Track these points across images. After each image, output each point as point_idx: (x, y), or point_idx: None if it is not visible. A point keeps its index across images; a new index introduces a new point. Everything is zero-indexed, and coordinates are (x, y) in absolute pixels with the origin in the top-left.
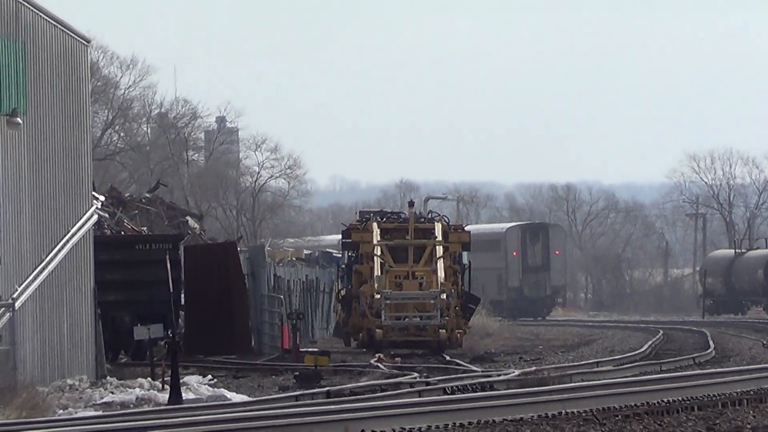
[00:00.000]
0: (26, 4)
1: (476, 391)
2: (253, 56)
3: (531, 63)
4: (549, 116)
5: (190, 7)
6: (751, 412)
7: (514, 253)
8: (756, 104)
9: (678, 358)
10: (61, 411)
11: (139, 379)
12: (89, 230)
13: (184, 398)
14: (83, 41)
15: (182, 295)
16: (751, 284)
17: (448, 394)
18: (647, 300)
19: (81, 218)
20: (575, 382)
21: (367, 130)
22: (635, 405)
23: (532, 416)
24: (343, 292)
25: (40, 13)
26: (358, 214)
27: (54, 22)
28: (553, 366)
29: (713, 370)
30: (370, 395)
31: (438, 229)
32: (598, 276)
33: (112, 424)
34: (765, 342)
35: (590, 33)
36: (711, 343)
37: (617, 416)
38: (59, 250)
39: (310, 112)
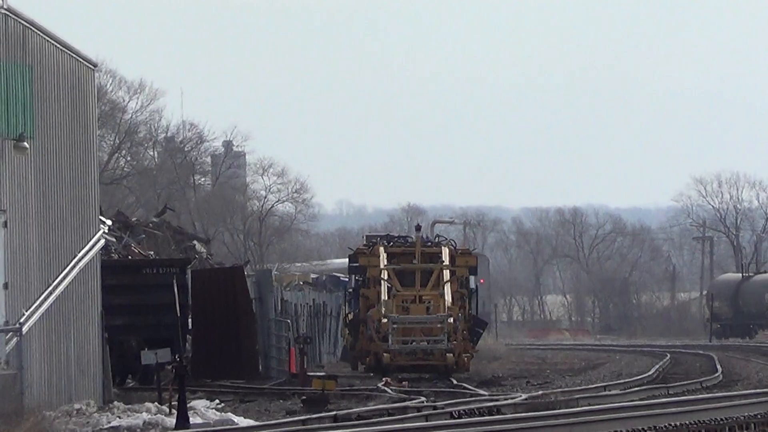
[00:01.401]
0: (33, 28)
1: (483, 415)
2: (260, 80)
3: (538, 87)
4: (556, 140)
5: (198, 31)
6: None
7: None
8: (763, 128)
9: (685, 382)
10: None
11: (147, 404)
12: (96, 254)
13: (191, 422)
14: (90, 65)
15: (189, 320)
16: (759, 308)
17: (455, 419)
18: (654, 323)
19: (88, 243)
20: (582, 406)
21: (374, 155)
22: (643, 429)
23: None
24: (350, 316)
25: (47, 38)
26: (365, 238)
27: (61, 47)
28: (560, 390)
29: (721, 393)
30: (378, 419)
31: (445, 253)
32: (605, 300)
33: None
34: None
35: (597, 57)
36: (718, 366)
37: None
38: (66, 275)
39: (317, 137)
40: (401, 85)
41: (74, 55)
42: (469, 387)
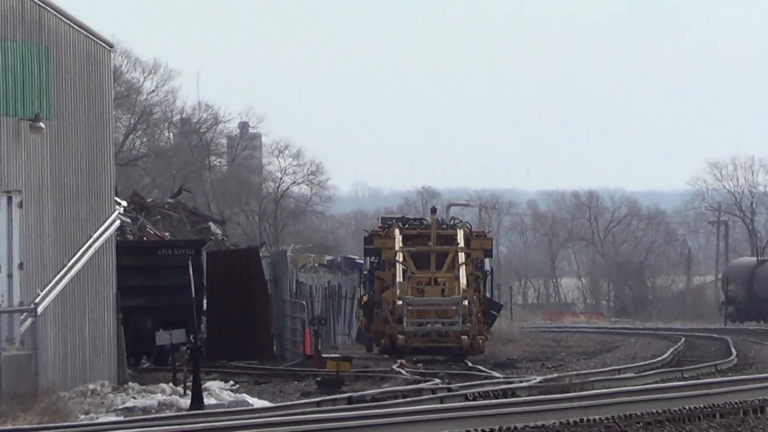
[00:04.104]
0: (49, 8)
1: (498, 398)
2: (275, 62)
3: (554, 71)
4: (572, 123)
5: (213, 12)
6: None
7: None
8: None
9: (700, 365)
10: (83, 416)
11: (161, 385)
12: (112, 235)
13: (205, 403)
14: (106, 46)
15: (204, 301)
16: None
17: (470, 401)
18: (669, 307)
19: (103, 223)
20: (597, 389)
21: (390, 137)
22: (657, 412)
23: (554, 423)
24: (365, 298)
25: (63, 18)
26: (380, 220)
27: (77, 27)
28: (574, 373)
29: (735, 377)
30: (392, 401)
31: (460, 235)
32: (620, 283)
33: (133, 429)
34: None
35: (612, 41)
36: (733, 350)
37: (639, 423)
38: (81, 255)
39: (333, 119)
40: (417, 67)
41: (90, 36)
42: (484, 369)
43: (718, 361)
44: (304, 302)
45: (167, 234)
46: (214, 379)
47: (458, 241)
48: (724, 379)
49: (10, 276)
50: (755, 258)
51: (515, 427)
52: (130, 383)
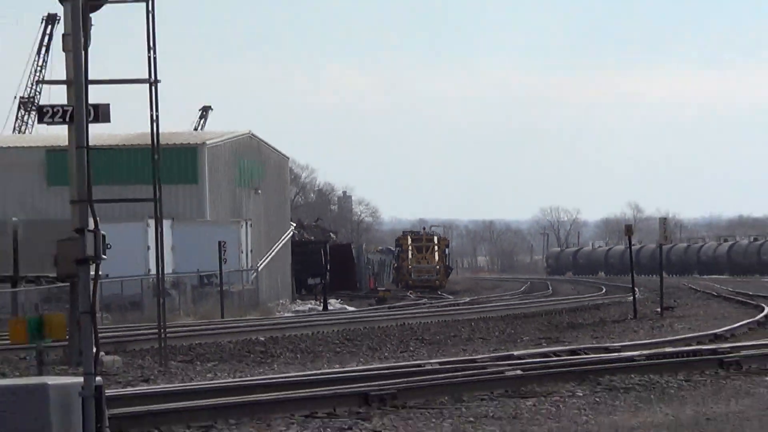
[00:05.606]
0: (261, 140)
1: (449, 306)
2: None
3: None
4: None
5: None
6: (567, 316)
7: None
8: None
9: (536, 293)
10: (278, 313)
11: (311, 300)
12: (288, 238)
13: (330, 308)
14: (285, 157)
15: (328, 266)
16: (565, 262)
17: (437, 307)
18: (524, 268)
19: (285, 232)
20: (493, 302)
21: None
22: (522, 314)
23: (475, 317)
24: (395, 264)
25: (267, 144)
26: (402, 233)
27: (272, 148)
28: (484, 297)
29: (553, 299)
30: (407, 306)
31: (435, 239)
32: (504, 258)
33: (299, 321)
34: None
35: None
36: (549, 288)
37: (518, 319)
38: (276, 246)
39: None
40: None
41: (279, 152)
42: (445, 294)
43: (542, 291)
44: (370, 266)
45: (312, 237)
46: (332, 299)
47: (435, 241)
48: (544, 300)
49: (243, 253)
50: (559, 248)
51: (458, 320)
52: (297, 300)
